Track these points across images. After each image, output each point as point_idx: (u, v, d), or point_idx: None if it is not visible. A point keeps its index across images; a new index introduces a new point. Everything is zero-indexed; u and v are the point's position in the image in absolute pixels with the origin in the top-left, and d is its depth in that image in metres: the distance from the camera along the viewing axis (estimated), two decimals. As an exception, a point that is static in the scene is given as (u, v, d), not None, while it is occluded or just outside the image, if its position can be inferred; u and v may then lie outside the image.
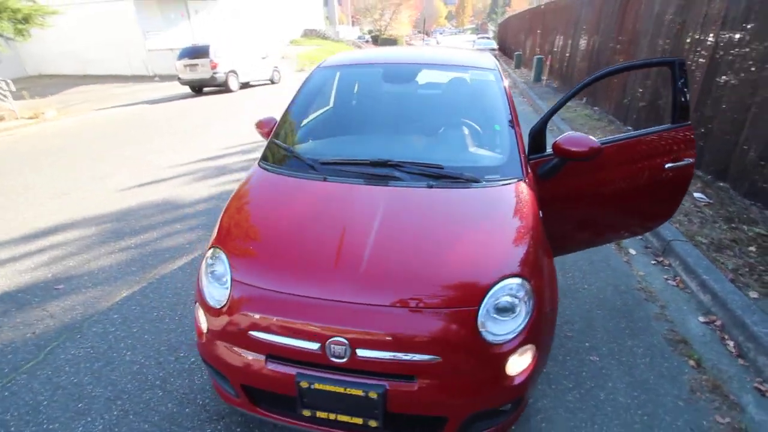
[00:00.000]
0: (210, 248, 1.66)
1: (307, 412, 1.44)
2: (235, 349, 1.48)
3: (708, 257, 2.91)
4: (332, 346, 1.34)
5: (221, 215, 1.82)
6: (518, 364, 1.41)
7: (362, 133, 2.19)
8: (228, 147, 6.37)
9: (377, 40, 36.41)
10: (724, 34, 4.25)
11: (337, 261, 1.47)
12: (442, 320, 1.36)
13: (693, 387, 1.99)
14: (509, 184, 1.79)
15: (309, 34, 28.99)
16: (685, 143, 2.41)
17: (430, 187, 1.76)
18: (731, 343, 2.24)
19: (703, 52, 4.62)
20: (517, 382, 1.41)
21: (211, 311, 1.54)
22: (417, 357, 1.33)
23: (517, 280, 1.42)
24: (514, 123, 2.05)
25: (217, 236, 1.70)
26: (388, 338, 1.34)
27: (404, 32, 40.57)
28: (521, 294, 1.41)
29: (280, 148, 2.12)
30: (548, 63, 12.44)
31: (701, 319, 2.46)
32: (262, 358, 1.44)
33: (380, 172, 1.85)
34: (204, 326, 1.58)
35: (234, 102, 11.00)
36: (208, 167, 5.38)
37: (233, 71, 12.87)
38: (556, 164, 2.05)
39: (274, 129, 2.24)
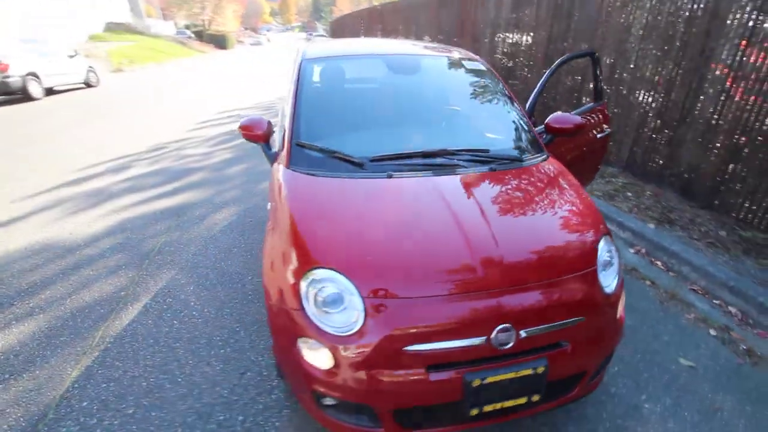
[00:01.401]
0: (307, 271, 1.40)
1: (474, 411, 1.39)
2: (385, 372, 1.32)
3: (611, 204, 3.77)
4: (498, 335, 1.34)
5: (289, 234, 1.55)
6: (621, 306, 1.65)
7: (387, 125, 2.11)
8: (91, 165, 5.05)
9: (202, 36, 33.13)
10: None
11: (471, 250, 1.45)
12: (578, 283, 1.49)
13: (660, 299, 2.63)
14: (545, 159, 2.02)
15: (115, 28, 24.51)
16: (604, 116, 3.08)
17: (493, 170, 1.85)
18: (659, 263, 3.00)
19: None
20: (622, 322, 1.65)
21: (337, 341, 1.33)
22: (567, 322, 1.44)
23: (607, 237, 1.66)
24: (518, 106, 2.29)
25: (309, 256, 1.45)
26: (543, 312, 1.41)
27: (232, 28, 37.87)
28: (612, 247, 1.65)
29: (315, 149, 1.89)
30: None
31: (631, 250, 3.20)
32: (421, 371, 1.33)
33: (438, 161, 1.85)
34: (326, 363, 1.35)
35: (41, 115, 8.61)
36: (76, 195, 4.19)
37: (33, 74, 10.02)
38: (549, 140, 2.38)
39: (290, 131, 1.97)
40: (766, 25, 3.21)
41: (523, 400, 1.44)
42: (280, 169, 1.90)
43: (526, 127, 2.18)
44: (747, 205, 3.34)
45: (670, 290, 2.70)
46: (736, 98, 3.40)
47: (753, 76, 3.26)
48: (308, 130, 1.96)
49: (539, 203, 1.72)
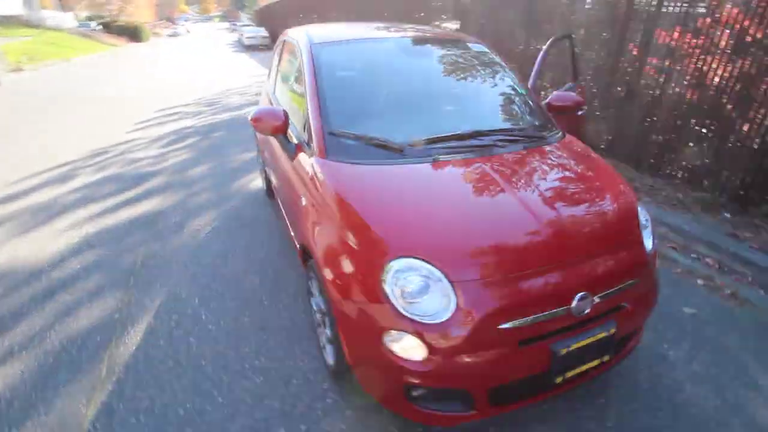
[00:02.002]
0: (388, 263, 1.35)
1: (560, 378, 1.44)
2: (481, 353, 1.32)
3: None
4: (578, 303, 1.39)
5: (354, 228, 1.48)
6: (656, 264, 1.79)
7: (414, 109, 2.06)
8: (24, 178, 4.38)
9: (110, 28, 29.88)
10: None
11: (541, 225, 1.48)
12: (632, 248, 1.59)
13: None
14: (563, 136, 2.11)
15: (5, 21, 21.34)
16: (582, 94, 3.29)
17: (526, 149, 1.90)
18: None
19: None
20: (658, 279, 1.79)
21: (430, 330, 1.30)
22: (628, 284, 1.53)
23: (638, 202, 1.78)
24: (526, 86, 2.36)
25: (386, 247, 1.39)
26: (611, 277, 1.49)
27: (146, 19, 34.46)
28: (644, 211, 1.78)
29: (351, 137, 1.81)
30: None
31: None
32: (514, 347, 1.35)
33: (475, 143, 1.86)
34: (419, 354, 1.32)
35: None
36: (18, 212, 3.63)
37: None
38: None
39: (318, 120, 1.85)
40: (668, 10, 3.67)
41: (597, 362, 1.52)
42: (313, 161, 1.79)
43: (538, 107, 2.25)
44: (669, 166, 3.80)
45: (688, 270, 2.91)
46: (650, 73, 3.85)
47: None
48: (338, 117, 1.86)
49: (579, 176, 1.80)
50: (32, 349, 2.11)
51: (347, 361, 1.56)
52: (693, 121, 3.67)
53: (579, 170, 1.83)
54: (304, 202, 1.83)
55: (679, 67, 3.67)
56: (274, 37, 22.66)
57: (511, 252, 1.42)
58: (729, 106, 3.36)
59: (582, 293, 1.39)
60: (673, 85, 3.77)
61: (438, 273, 1.32)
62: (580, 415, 1.72)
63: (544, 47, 2.76)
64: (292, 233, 2.44)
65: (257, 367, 1.98)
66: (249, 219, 3.46)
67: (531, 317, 1.35)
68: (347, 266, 1.46)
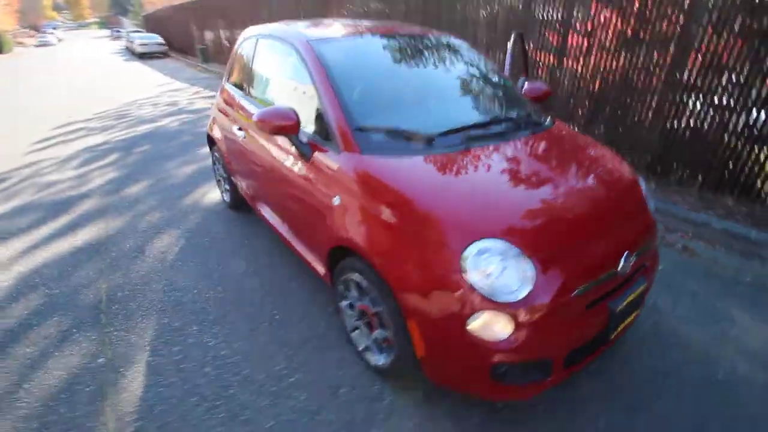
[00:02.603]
0: (465, 248, 1.36)
1: (613, 334, 1.59)
2: (559, 321, 1.40)
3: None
4: (624, 263, 1.55)
5: (418, 220, 1.47)
6: None
7: (425, 101, 2.07)
8: None
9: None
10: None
11: (586, 198, 1.62)
12: (644, 212, 1.81)
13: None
14: (555, 121, 2.30)
15: None
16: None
17: (533, 134, 2.04)
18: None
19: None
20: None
21: (514, 307, 1.35)
22: (649, 242, 1.74)
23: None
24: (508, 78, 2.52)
25: (460, 233, 1.40)
26: (642, 238, 1.69)
27: (7, 27, 29.06)
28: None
29: (380, 131, 1.77)
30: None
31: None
32: (583, 310, 1.45)
33: (492, 131, 1.95)
34: (505, 332, 1.36)
35: None
36: None
37: None
38: None
39: (339, 116, 1.78)
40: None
41: (634, 315, 1.70)
42: (344, 158, 1.72)
43: (525, 97, 2.43)
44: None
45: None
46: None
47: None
48: (360, 113, 1.81)
49: (588, 154, 1.98)
50: (8, 417, 1.70)
51: (417, 355, 1.53)
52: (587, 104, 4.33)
53: (586, 149, 2.02)
54: (337, 201, 1.75)
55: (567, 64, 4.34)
56: (169, 44, 20.91)
57: (568, 224, 1.52)
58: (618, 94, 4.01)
59: (625, 254, 1.55)
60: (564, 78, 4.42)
61: (515, 250, 1.37)
62: (602, 356, 1.90)
63: (509, 45, 2.98)
64: (299, 239, 2.31)
65: (297, 384, 1.84)
66: (220, 234, 3.17)
67: (594, 281, 1.46)
68: (417, 259, 1.44)
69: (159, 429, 1.65)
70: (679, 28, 3.54)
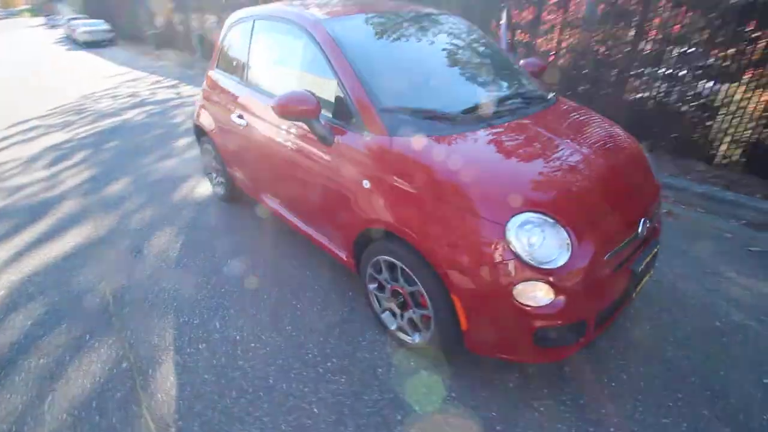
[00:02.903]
0: (508, 221, 1.42)
1: (634, 294, 1.71)
2: (594, 284, 1.50)
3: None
4: (641, 228, 1.66)
5: (459, 197, 1.51)
6: None
7: (440, 79, 2.08)
8: None
9: None
10: None
11: (606, 169, 1.71)
12: (651, 178, 1.92)
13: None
14: (557, 95, 2.37)
15: None
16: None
17: (545, 108, 2.10)
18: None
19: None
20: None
21: (554, 273, 1.43)
22: (658, 206, 1.87)
23: None
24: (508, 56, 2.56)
25: (501, 207, 1.46)
26: (653, 203, 1.81)
27: None
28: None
29: (406, 111, 1.78)
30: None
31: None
32: (612, 272, 1.56)
33: (508, 107, 1.99)
34: (547, 297, 1.44)
35: None
36: None
37: None
38: None
39: (361, 98, 1.77)
40: None
41: (650, 275, 1.83)
42: (372, 140, 1.72)
43: (527, 75, 2.48)
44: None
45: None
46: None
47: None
48: (382, 93, 1.80)
49: (598, 126, 2.06)
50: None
51: (462, 328, 1.59)
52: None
53: (592, 121, 2.10)
54: (366, 184, 1.75)
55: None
56: (116, 30, 19.47)
57: (595, 193, 1.61)
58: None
59: (644, 218, 1.67)
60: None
61: (552, 220, 1.44)
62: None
63: (503, 22, 3.02)
64: (315, 227, 2.30)
65: (334, 369, 1.87)
66: (220, 228, 3.09)
67: (620, 245, 1.57)
68: (461, 235, 1.48)
69: (202, 426, 1.64)
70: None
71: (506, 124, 1.84)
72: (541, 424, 1.60)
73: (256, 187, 2.79)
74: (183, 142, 5.18)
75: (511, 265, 1.42)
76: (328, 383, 1.80)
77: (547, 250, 1.43)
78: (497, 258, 1.43)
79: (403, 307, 1.87)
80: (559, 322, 1.48)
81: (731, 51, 3.44)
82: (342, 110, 1.87)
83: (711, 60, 3.59)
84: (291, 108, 1.80)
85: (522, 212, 1.44)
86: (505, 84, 2.25)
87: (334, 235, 2.15)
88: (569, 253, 1.43)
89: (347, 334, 2.07)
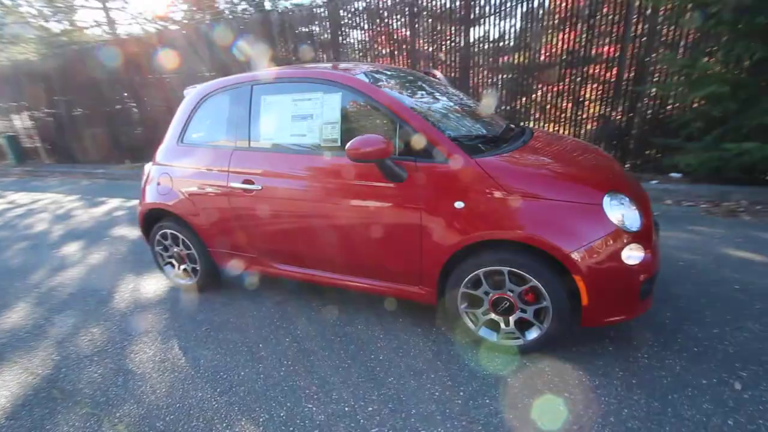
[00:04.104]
0: (601, 201, 1.78)
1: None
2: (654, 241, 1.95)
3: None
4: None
5: (560, 193, 1.80)
6: None
7: (453, 117, 2.38)
8: None
9: None
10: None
11: (605, 161, 2.26)
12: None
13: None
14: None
15: None
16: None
17: (533, 135, 2.58)
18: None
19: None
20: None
21: (640, 236, 1.82)
22: None
23: None
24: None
25: (595, 192, 1.82)
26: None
27: None
28: None
29: (469, 138, 2.08)
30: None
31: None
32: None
33: (517, 135, 2.43)
34: (642, 253, 1.80)
35: None
36: None
37: None
38: None
39: (431, 133, 1.96)
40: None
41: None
42: (460, 165, 1.90)
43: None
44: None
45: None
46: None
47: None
48: (440, 127, 2.02)
49: (576, 143, 2.65)
50: None
51: (583, 304, 1.81)
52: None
53: (569, 141, 2.70)
54: (460, 205, 1.89)
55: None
56: None
57: (619, 180, 2.10)
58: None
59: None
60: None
61: (622, 195, 1.86)
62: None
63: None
64: (375, 273, 2.25)
65: (472, 395, 1.82)
66: (222, 315, 2.62)
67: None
68: (571, 221, 1.76)
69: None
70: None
71: (527, 144, 2.24)
72: (654, 366, 1.90)
73: (273, 256, 2.54)
74: (73, 247, 4.19)
75: (615, 235, 1.76)
76: (477, 409, 1.75)
77: (630, 218, 1.82)
78: (604, 232, 1.75)
79: (508, 312, 1.99)
80: (653, 271, 1.86)
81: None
82: (406, 148, 2.01)
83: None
84: (366, 151, 1.86)
85: (606, 193, 1.81)
86: (500, 121, 2.71)
87: (404, 273, 2.16)
88: (640, 218, 1.85)
89: (453, 360, 2.04)
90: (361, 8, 6.13)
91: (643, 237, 1.82)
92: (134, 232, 4.46)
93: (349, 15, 6.32)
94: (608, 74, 4.94)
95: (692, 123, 4.30)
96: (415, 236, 2.02)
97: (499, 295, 1.97)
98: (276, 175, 2.34)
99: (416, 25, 5.81)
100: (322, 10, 6.45)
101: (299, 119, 2.28)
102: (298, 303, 2.70)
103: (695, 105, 4.32)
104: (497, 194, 1.85)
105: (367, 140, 1.88)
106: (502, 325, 2.03)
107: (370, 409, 1.80)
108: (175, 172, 2.71)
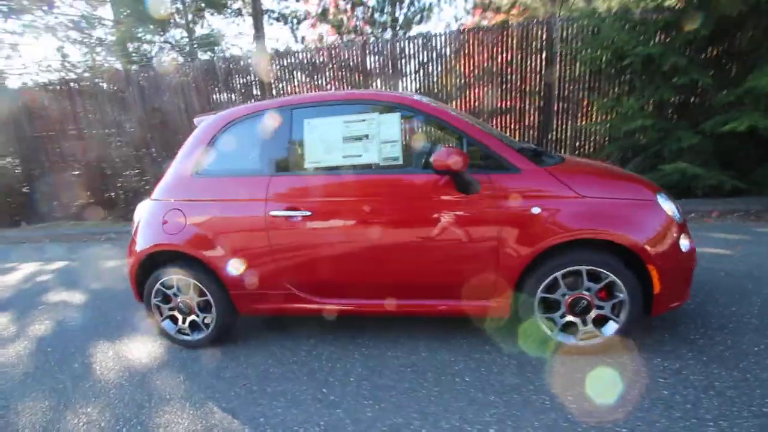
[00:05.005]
0: (655, 197, 2.03)
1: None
2: None
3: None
4: None
5: (622, 191, 2.01)
6: None
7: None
8: None
9: None
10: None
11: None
12: None
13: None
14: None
15: None
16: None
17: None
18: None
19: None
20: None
21: (684, 224, 2.10)
22: None
23: None
24: None
25: (649, 191, 2.06)
26: None
27: None
28: None
29: (532, 150, 2.22)
30: None
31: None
32: None
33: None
34: (689, 241, 2.07)
35: None
36: None
37: None
38: None
39: (503, 151, 2.08)
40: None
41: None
42: (532, 174, 2.02)
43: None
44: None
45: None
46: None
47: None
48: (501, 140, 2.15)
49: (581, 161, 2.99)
50: None
51: (655, 292, 1.96)
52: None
53: (589, 160, 3.03)
54: (537, 210, 1.98)
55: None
56: None
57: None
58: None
59: None
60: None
61: (664, 194, 2.13)
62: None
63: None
64: (446, 293, 2.19)
65: (545, 407, 1.81)
66: (278, 371, 2.25)
67: None
68: (639, 217, 1.95)
69: None
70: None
71: (565, 160, 2.47)
72: (711, 344, 2.11)
73: (317, 289, 2.31)
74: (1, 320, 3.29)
75: (672, 226, 1.99)
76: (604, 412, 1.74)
77: (675, 210, 2.08)
78: (665, 224, 1.97)
79: (585, 312, 2.06)
80: (696, 258, 2.12)
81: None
82: (476, 160, 2.08)
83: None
84: (451, 162, 1.89)
85: (655, 192, 2.07)
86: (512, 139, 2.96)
87: (476, 288, 2.13)
88: (679, 211, 2.14)
89: (542, 371, 2.02)
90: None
91: (685, 228, 2.09)
92: (77, 296, 3.69)
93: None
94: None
95: (611, 155, 5.22)
96: (491, 247, 2.04)
97: (576, 296, 2.05)
98: (329, 199, 2.21)
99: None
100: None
101: (352, 140, 2.22)
102: (337, 340, 2.46)
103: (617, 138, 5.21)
104: (572, 198, 1.99)
105: (450, 151, 1.91)
106: (580, 326, 2.09)
107: (492, 430, 1.68)
108: (189, 207, 2.39)
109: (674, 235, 1.99)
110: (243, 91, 6.87)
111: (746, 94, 4.09)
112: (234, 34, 21.11)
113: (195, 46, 12.08)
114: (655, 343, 2.16)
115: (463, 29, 6.18)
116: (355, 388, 2.03)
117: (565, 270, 2.01)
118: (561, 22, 5.57)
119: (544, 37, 5.60)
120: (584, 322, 2.08)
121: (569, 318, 2.09)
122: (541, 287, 2.05)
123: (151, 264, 2.49)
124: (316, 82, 6.58)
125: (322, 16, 12.77)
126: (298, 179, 2.27)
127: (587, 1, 10.15)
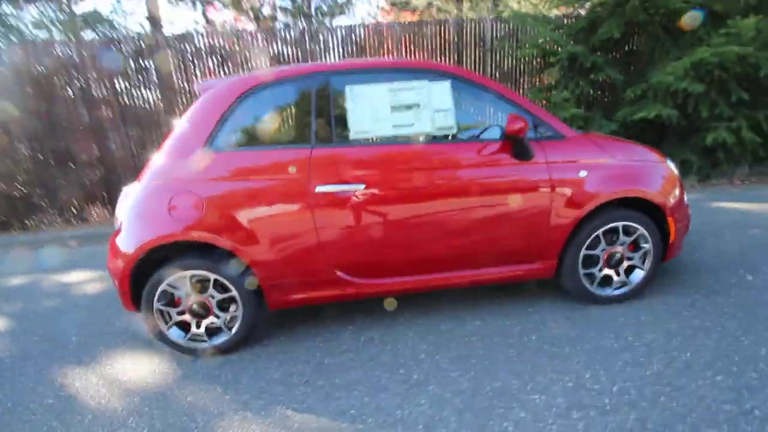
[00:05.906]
0: (666, 161, 2.36)
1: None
2: None
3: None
4: None
5: (649, 163, 2.30)
6: None
7: None
8: None
9: None
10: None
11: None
12: None
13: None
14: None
15: None
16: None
17: None
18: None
19: None
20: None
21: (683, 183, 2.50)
22: None
23: None
24: None
25: (658, 155, 2.37)
26: None
27: None
28: None
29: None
30: None
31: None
32: None
33: None
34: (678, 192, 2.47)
35: None
36: None
37: None
38: None
39: (545, 117, 2.18)
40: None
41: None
42: (577, 141, 2.18)
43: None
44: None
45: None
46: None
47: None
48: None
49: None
50: None
51: (671, 240, 2.27)
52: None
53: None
54: (583, 174, 2.13)
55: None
56: None
57: None
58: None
59: None
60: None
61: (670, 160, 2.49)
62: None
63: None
64: (497, 259, 2.23)
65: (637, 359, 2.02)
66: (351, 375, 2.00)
67: None
68: (660, 175, 2.25)
69: None
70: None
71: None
72: (721, 292, 2.53)
73: (367, 270, 2.14)
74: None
75: (678, 184, 2.33)
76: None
77: (677, 171, 2.44)
78: (675, 182, 2.30)
79: (618, 264, 2.30)
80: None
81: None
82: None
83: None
84: (517, 127, 1.95)
85: (663, 156, 2.40)
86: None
87: (525, 252, 2.21)
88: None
89: (611, 323, 2.19)
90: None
91: (683, 185, 2.47)
92: (34, 306, 2.82)
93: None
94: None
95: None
96: (545, 210, 2.14)
97: (612, 250, 2.27)
98: (384, 170, 2.07)
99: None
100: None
101: (403, 109, 2.11)
102: (376, 323, 2.33)
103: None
104: (610, 161, 2.20)
105: (515, 117, 1.95)
106: (614, 276, 2.32)
107: (587, 375, 1.78)
108: (206, 187, 2.01)
109: (682, 192, 2.34)
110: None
111: (649, 89, 4.98)
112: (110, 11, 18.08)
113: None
114: (669, 295, 2.50)
115: (396, 23, 6.28)
116: (433, 363, 1.95)
117: (605, 227, 2.21)
118: (491, 22, 6.07)
119: (482, 35, 6.03)
120: (617, 273, 2.32)
121: (606, 271, 2.31)
122: (586, 245, 2.22)
123: (147, 262, 2.04)
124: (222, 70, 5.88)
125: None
126: (347, 150, 2.08)
127: (495, 5, 11.19)
